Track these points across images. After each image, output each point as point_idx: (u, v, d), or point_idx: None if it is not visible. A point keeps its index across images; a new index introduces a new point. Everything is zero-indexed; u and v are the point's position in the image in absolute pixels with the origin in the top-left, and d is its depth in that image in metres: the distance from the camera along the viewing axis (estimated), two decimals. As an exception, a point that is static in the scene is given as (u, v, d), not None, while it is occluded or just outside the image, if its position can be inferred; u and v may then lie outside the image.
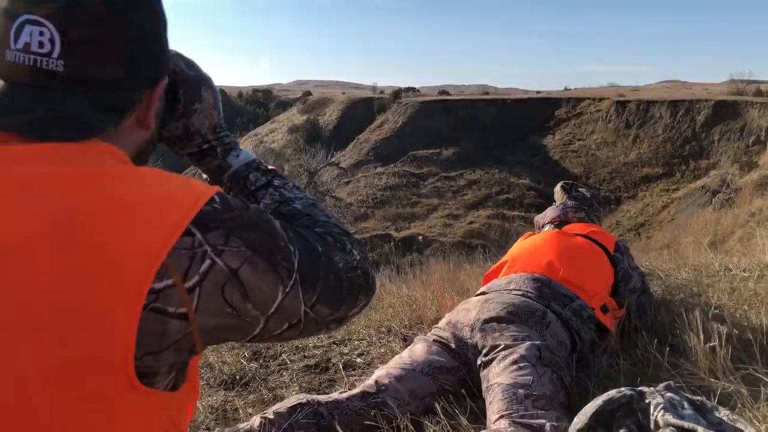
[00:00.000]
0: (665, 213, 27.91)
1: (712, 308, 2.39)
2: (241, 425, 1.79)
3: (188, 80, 1.03)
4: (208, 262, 0.74)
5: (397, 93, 49.55)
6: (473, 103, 41.17)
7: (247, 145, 41.62)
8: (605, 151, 33.77)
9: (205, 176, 1.12)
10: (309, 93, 60.12)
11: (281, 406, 1.82)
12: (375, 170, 35.48)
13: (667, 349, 1.97)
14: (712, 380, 1.84)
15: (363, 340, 2.68)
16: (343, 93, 57.29)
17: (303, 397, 1.86)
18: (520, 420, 1.64)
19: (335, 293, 0.89)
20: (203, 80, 1.05)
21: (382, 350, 2.54)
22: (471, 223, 29.51)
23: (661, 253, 4.83)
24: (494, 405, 1.73)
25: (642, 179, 31.39)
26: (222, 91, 69.17)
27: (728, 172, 26.98)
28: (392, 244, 28.32)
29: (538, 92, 51.91)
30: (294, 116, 49.52)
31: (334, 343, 2.68)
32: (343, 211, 29.26)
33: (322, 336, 2.76)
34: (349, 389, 2.15)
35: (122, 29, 0.79)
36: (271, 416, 1.77)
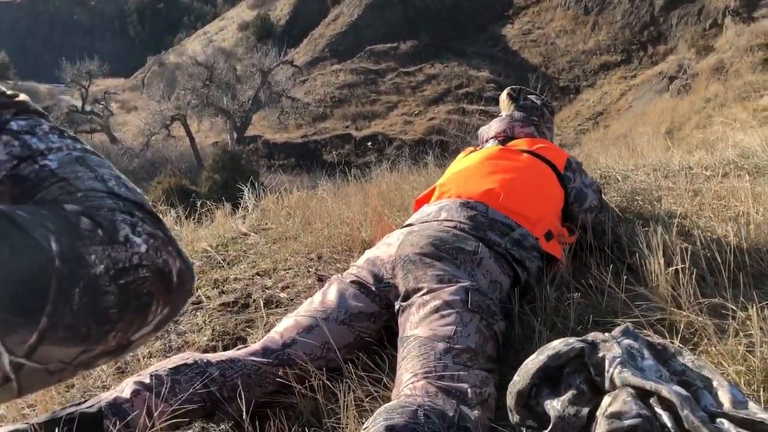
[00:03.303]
0: (623, 101, 27.68)
1: (676, 218, 2.14)
2: (105, 394, 1.50)
3: None
4: None
5: (351, -16, 47.34)
6: (430, -9, 39.56)
7: (196, 46, 39.69)
8: (564, 40, 33.04)
9: None
10: (258, -14, 56.95)
11: (161, 367, 1.53)
12: (331, 67, 34.30)
13: (624, 276, 1.72)
14: (675, 310, 1.61)
15: (290, 269, 2.39)
16: (294, -15, 54.39)
17: (188, 356, 1.57)
18: (438, 383, 1.37)
19: (89, 317, 0.54)
20: None
21: (310, 281, 2.26)
22: (431, 119, 29.02)
23: (619, 150, 4.58)
24: (408, 361, 1.46)
25: (600, 67, 30.90)
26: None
27: (685, 57, 26.66)
28: (353, 144, 28.03)
29: (496, -21, 50.06)
30: (243, 12, 47.07)
31: (257, 274, 2.39)
32: (300, 112, 28.56)
33: (245, 266, 2.47)
34: (265, 331, 1.89)
35: None
36: (147, 380, 1.48)
